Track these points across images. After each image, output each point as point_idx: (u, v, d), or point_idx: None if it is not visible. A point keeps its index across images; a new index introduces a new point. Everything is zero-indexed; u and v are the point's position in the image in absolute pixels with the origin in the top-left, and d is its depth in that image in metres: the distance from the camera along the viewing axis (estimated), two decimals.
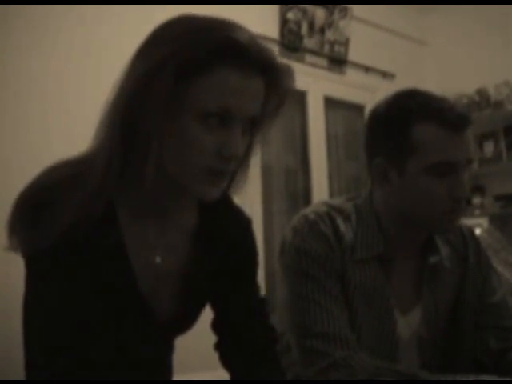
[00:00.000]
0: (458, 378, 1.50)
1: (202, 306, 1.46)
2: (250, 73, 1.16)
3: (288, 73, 1.26)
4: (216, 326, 1.52)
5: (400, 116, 1.60)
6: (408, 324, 1.69)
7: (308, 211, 1.72)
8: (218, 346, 1.52)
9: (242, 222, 1.50)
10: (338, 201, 1.79)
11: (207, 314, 1.49)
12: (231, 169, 1.21)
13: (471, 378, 1.48)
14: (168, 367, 1.51)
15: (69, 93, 3.65)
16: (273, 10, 4.87)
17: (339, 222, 1.69)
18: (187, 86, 1.13)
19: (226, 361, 1.51)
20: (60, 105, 3.61)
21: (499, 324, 1.75)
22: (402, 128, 1.58)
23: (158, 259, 1.32)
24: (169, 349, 1.49)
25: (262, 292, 1.54)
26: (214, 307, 1.50)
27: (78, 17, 3.75)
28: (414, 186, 1.59)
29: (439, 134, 1.54)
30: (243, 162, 1.31)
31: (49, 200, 1.16)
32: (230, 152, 1.16)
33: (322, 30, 5.14)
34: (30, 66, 3.55)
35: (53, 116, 3.58)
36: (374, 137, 1.69)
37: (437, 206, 1.59)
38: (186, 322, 1.42)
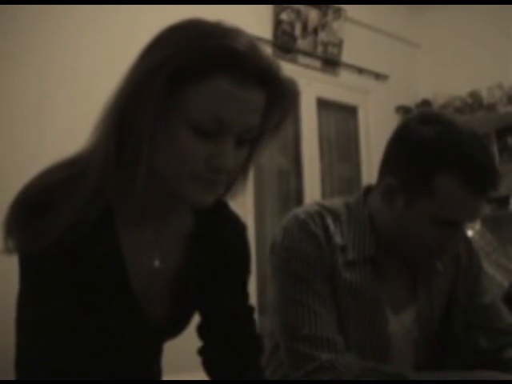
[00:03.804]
0: (442, 376, 1.51)
1: (195, 309, 1.45)
2: (247, 83, 1.13)
3: (291, 87, 1.23)
4: (202, 330, 1.51)
5: (431, 156, 1.53)
6: (401, 323, 1.69)
7: (298, 211, 1.71)
8: (202, 351, 1.52)
9: (238, 228, 1.49)
10: (330, 201, 1.78)
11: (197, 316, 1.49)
12: (222, 179, 1.19)
13: (459, 375, 1.50)
14: (158, 369, 1.51)
15: (64, 93, 3.66)
16: (266, 10, 4.87)
17: (329, 221, 1.67)
18: (181, 93, 1.12)
19: (209, 366, 1.50)
20: (56, 105, 3.62)
21: (490, 325, 1.76)
22: (429, 169, 1.53)
23: (156, 263, 1.31)
24: (159, 351, 1.49)
25: (254, 293, 1.53)
26: (202, 312, 1.49)
27: (74, 17, 3.76)
28: (413, 222, 1.58)
29: (462, 193, 1.51)
30: (242, 171, 1.29)
31: (46, 202, 1.15)
32: (218, 163, 1.14)
33: (316, 31, 5.14)
34: (24, 66, 3.55)
35: (48, 117, 3.59)
36: (397, 154, 1.64)
37: (425, 248, 1.60)
38: (178, 325, 1.41)
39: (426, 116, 1.63)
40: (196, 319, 1.49)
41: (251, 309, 1.52)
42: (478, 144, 1.54)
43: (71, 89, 3.68)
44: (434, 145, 1.54)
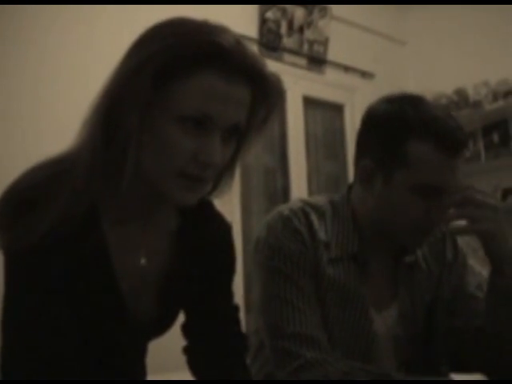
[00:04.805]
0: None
1: (181, 308, 1.46)
2: (233, 79, 1.14)
3: (277, 84, 1.24)
4: (186, 329, 1.51)
5: (399, 126, 1.57)
6: (384, 322, 1.69)
7: (283, 207, 1.71)
8: (187, 350, 1.52)
9: (223, 227, 1.50)
10: (314, 198, 1.79)
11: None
12: (208, 175, 1.19)
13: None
14: (142, 368, 1.51)
15: (59, 90, 3.70)
16: (252, 9, 4.86)
17: (313, 218, 1.67)
18: (167, 89, 1.13)
19: (194, 365, 1.51)
20: (50, 102, 3.66)
21: (469, 311, 1.75)
22: (399, 139, 1.55)
23: (142, 261, 1.31)
24: (144, 350, 1.49)
25: (240, 292, 1.54)
26: (187, 311, 1.49)
27: (69, 17, 3.80)
28: (395, 198, 1.58)
29: (435, 156, 1.52)
30: (228, 169, 1.30)
31: (32, 199, 1.15)
32: (206, 158, 1.14)
33: (302, 30, 5.13)
34: (21, 63, 3.59)
35: (44, 113, 3.63)
36: (367, 136, 1.67)
37: (412, 223, 1.59)
38: (164, 323, 1.41)
39: (390, 96, 1.67)
40: (181, 318, 1.49)
41: (236, 308, 1.52)
42: (441, 110, 1.59)
43: (68, 85, 3.72)
44: (400, 116, 1.57)
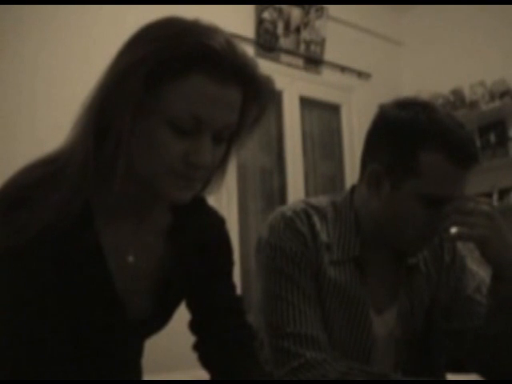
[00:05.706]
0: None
1: (176, 306, 1.45)
2: (224, 81, 1.14)
3: (268, 84, 1.25)
4: (193, 326, 1.51)
5: (413, 135, 1.55)
6: (384, 323, 1.68)
7: (285, 208, 1.71)
8: (197, 347, 1.52)
9: (216, 221, 1.50)
10: (316, 199, 1.78)
11: (182, 314, 1.49)
12: (200, 176, 1.20)
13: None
14: (139, 367, 1.50)
15: (56, 90, 3.73)
16: (248, 9, 4.87)
17: (315, 219, 1.67)
18: (159, 90, 1.13)
19: (205, 361, 1.50)
20: (47, 102, 3.69)
21: (467, 313, 1.75)
22: (412, 148, 1.54)
23: (130, 258, 1.31)
24: (140, 349, 1.49)
25: (238, 291, 1.54)
26: (191, 307, 1.49)
27: (64, 17, 3.84)
28: (401, 204, 1.57)
29: (446, 168, 1.52)
30: (220, 167, 1.30)
31: (25, 198, 1.14)
32: (196, 160, 1.15)
33: (298, 30, 5.14)
34: (18, 64, 3.63)
35: (41, 113, 3.66)
36: (377, 140, 1.65)
37: (415, 230, 1.59)
38: (159, 321, 1.41)
39: (402, 101, 1.66)
40: (176, 318, 1.49)
41: (239, 299, 1.53)
42: (454, 121, 1.57)
43: (64, 86, 3.75)
44: (413, 124, 1.56)
